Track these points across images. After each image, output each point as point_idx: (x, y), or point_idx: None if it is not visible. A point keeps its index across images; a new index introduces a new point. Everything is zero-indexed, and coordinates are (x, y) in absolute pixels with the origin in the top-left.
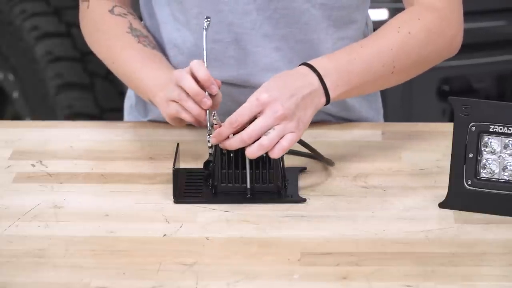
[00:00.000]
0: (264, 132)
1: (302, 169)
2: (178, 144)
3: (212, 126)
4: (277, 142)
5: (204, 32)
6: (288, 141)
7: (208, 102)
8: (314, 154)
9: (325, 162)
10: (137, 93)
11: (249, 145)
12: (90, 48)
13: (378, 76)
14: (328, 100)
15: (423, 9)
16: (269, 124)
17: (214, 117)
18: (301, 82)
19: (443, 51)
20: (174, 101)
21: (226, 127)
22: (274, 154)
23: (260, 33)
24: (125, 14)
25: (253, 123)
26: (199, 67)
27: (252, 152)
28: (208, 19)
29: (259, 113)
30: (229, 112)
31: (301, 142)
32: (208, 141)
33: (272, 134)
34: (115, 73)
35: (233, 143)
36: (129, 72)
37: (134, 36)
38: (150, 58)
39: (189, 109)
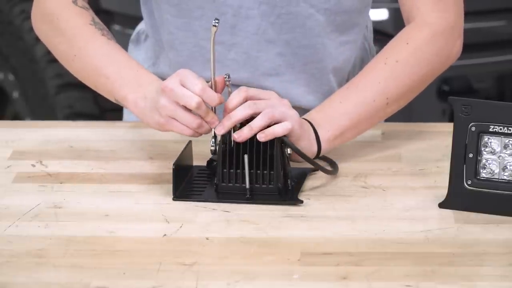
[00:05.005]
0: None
1: (314, 170)
2: (190, 142)
3: (215, 137)
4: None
5: (212, 34)
6: (280, 127)
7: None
8: (316, 167)
9: (328, 173)
10: (96, 89)
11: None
12: (43, 40)
13: (372, 111)
14: (319, 148)
15: (414, 28)
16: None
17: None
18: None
19: (440, 66)
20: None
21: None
22: (262, 135)
23: (263, 38)
24: (87, 8)
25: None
26: (209, 93)
27: (238, 136)
28: (217, 21)
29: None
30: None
31: (303, 156)
32: (211, 146)
33: (260, 117)
34: (72, 68)
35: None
36: (93, 67)
37: (98, 29)
38: (115, 53)
39: (188, 123)
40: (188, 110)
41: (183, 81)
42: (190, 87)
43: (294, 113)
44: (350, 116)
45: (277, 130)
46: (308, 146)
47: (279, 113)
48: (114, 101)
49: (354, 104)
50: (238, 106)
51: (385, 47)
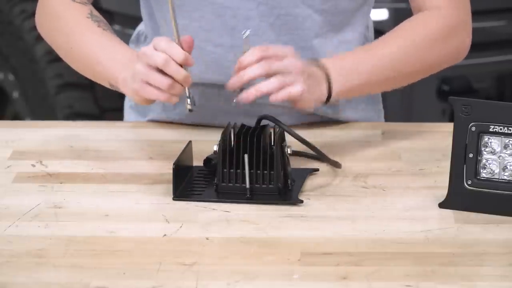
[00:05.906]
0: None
1: (314, 170)
2: (190, 142)
3: (189, 96)
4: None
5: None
6: (295, 90)
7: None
8: (320, 156)
9: (332, 164)
10: (95, 78)
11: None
12: (45, 38)
13: (381, 78)
14: (329, 95)
15: (429, 16)
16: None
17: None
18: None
19: (449, 58)
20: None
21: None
22: (273, 97)
23: (263, 40)
24: (85, 3)
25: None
26: (174, 49)
27: (246, 95)
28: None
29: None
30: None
31: (306, 143)
32: (188, 105)
33: (275, 79)
34: (70, 61)
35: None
36: (88, 56)
37: (94, 21)
38: (109, 40)
39: (159, 83)
40: (161, 71)
41: (155, 44)
42: (158, 47)
43: (304, 77)
44: (362, 76)
45: (288, 91)
46: (318, 95)
47: (289, 81)
48: (109, 87)
49: (368, 67)
50: (251, 64)
51: (401, 27)
